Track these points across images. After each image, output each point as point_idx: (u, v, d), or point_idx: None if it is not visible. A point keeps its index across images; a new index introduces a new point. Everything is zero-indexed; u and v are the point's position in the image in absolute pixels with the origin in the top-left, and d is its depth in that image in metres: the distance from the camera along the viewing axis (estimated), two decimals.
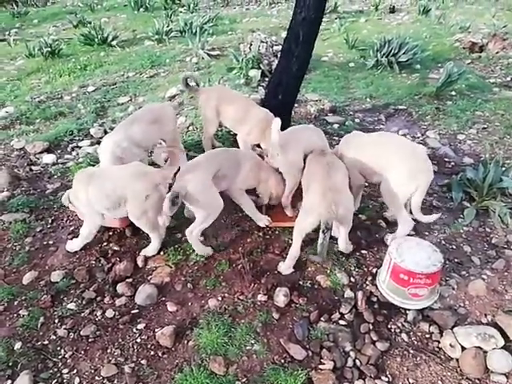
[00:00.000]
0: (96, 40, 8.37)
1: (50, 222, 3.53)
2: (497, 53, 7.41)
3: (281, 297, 2.75)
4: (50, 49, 7.72)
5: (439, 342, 2.52)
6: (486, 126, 4.98)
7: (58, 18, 11.27)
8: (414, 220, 3.07)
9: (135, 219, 3.01)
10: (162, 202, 2.97)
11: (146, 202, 2.90)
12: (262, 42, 6.65)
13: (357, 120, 5.14)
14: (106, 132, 4.98)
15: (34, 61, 7.69)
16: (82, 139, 4.87)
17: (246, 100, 4.16)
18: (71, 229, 3.45)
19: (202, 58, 7.33)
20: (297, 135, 3.43)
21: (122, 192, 2.90)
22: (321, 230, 2.68)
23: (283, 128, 4.45)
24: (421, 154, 3.01)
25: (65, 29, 10.22)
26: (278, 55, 6.32)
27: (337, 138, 4.68)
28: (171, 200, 2.74)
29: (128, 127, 3.53)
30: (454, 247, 3.24)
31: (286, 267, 2.98)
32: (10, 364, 2.40)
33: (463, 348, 2.44)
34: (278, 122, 3.15)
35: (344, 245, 3.03)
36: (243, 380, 2.31)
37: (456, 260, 3.11)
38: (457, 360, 2.42)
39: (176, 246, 3.19)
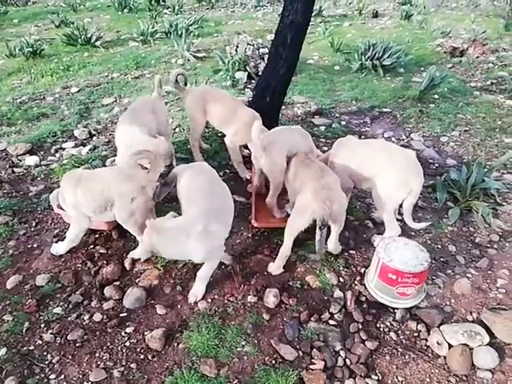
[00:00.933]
0: (79, 40, 8.24)
1: (33, 224, 3.45)
2: (477, 57, 7.62)
3: (271, 298, 2.75)
4: (31, 49, 7.56)
5: (427, 340, 2.57)
6: (467, 129, 5.11)
7: (40, 18, 11.05)
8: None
9: (122, 222, 2.97)
10: (148, 204, 2.96)
11: (133, 204, 2.86)
12: (248, 44, 6.67)
13: (343, 122, 5.20)
14: (90, 133, 4.91)
15: (15, 61, 7.53)
16: (66, 141, 4.78)
17: (232, 100, 4.16)
18: (56, 232, 3.38)
19: (188, 60, 7.31)
20: (280, 136, 3.44)
21: (108, 194, 2.87)
22: (317, 227, 2.71)
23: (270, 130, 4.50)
24: (412, 159, 3.09)
25: (47, 29, 10.02)
26: (265, 58, 6.37)
27: (323, 140, 4.73)
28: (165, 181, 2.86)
29: (133, 118, 3.53)
30: (440, 247, 3.30)
31: (275, 267, 2.98)
32: None
33: (450, 345, 2.49)
34: (258, 124, 3.18)
35: (334, 245, 3.05)
36: (235, 382, 2.30)
37: (442, 259, 3.17)
38: (444, 357, 2.47)
39: None
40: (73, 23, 9.62)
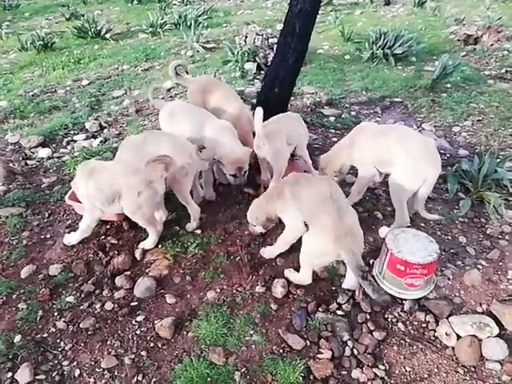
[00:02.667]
0: (89, 33, 8.29)
1: (46, 215, 3.52)
2: (491, 45, 7.43)
3: (279, 288, 2.77)
4: (42, 42, 7.63)
5: (435, 330, 2.56)
6: (480, 118, 5.01)
7: (50, 11, 11.13)
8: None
9: (130, 214, 3.01)
10: (156, 197, 2.99)
11: (139, 197, 2.89)
12: (257, 34, 6.61)
13: (353, 113, 5.15)
14: (101, 126, 4.96)
15: (27, 54, 7.61)
16: (77, 133, 4.84)
17: (228, 91, 4.14)
18: (68, 222, 3.44)
19: (197, 51, 7.30)
20: (279, 124, 3.52)
21: (116, 187, 2.90)
22: (360, 279, 2.42)
23: None
24: (431, 147, 3.00)
25: (57, 22, 10.10)
26: (274, 48, 6.28)
27: (333, 131, 4.70)
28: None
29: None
30: (450, 238, 3.27)
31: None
32: (11, 357, 2.41)
33: (459, 336, 2.48)
34: (259, 111, 3.22)
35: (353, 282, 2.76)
36: (243, 370, 2.33)
37: (452, 250, 3.15)
38: (452, 348, 2.46)
39: (174, 239, 3.19)
40: (83, 16, 9.68)
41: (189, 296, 2.78)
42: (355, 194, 3.41)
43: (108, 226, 3.33)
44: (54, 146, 4.58)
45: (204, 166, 3.41)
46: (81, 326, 2.58)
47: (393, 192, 3.11)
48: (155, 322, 2.59)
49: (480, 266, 3.00)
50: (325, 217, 2.52)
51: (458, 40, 7.73)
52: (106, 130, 4.88)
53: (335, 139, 4.43)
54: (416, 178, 2.95)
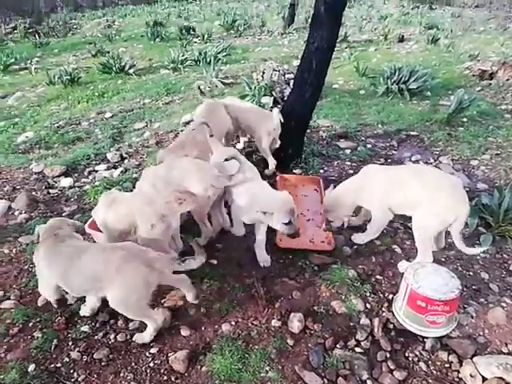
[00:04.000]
0: (114, 68, 8.70)
1: None
2: (507, 80, 7.48)
3: (295, 323, 2.71)
4: (69, 77, 8.04)
5: (459, 371, 2.45)
6: (499, 152, 4.98)
7: (78, 48, 11.78)
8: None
9: (144, 245, 2.99)
10: (170, 231, 2.99)
11: (153, 230, 2.88)
12: (274, 70, 6.83)
13: (369, 145, 5.18)
14: (122, 156, 5.10)
15: (54, 88, 8.00)
16: (99, 163, 4.98)
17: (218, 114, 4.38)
18: None
19: (216, 86, 7.54)
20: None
21: (132, 218, 2.92)
22: None
23: (297, 153, 4.56)
24: (458, 186, 3.00)
25: (84, 58, 10.66)
26: (290, 83, 6.48)
27: (349, 164, 4.72)
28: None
29: None
30: (471, 274, 3.18)
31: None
32: None
33: (484, 378, 2.37)
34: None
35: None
36: None
37: (474, 287, 3.05)
38: None
39: (189, 271, 3.18)
40: (108, 52, 10.20)
41: (203, 328, 2.73)
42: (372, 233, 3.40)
43: None
44: (76, 175, 4.71)
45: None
46: (95, 356, 2.56)
47: (420, 231, 3.03)
48: (169, 354, 2.55)
49: (504, 304, 2.89)
50: None
51: (473, 75, 7.82)
52: (126, 161, 5.01)
53: (351, 171, 4.44)
54: (447, 216, 2.89)
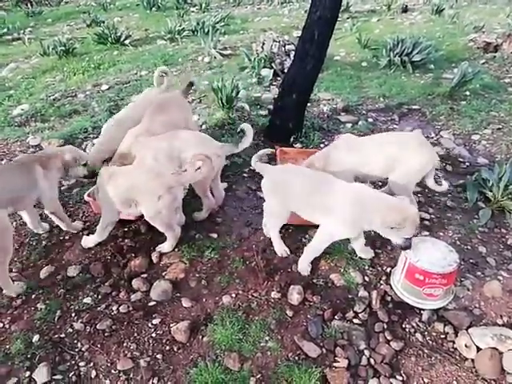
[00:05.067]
0: (109, 39, 8.45)
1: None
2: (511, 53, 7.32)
3: (294, 295, 2.75)
4: (64, 48, 7.80)
5: (454, 342, 2.51)
6: (500, 127, 4.93)
7: (72, 18, 11.40)
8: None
9: (149, 219, 3.04)
10: (175, 203, 3.02)
11: (159, 202, 2.91)
12: (274, 41, 6.66)
13: (370, 119, 5.12)
14: None
15: (49, 59, 7.79)
16: (97, 136, 4.88)
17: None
18: (87, 224, 3.49)
19: (215, 58, 7.37)
20: None
21: (133, 192, 2.94)
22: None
23: (297, 128, 4.50)
24: (422, 139, 3.29)
25: (78, 28, 10.33)
26: (291, 55, 6.35)
27: None
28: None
29: None
30: (469, 248, 3.21)
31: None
32: (29, 356, 2.44)
33: (478, 349, 2.43)
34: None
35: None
36: (258, 376, 2.32)
37: (471, 261, 3.09)
38: (472, 360, 2.41)
39: (190, 243, 3.21)
40: (103, 22, 9.88)
41: (204, 300, 2.78)
42: None
43: (125, 229, 3.37)
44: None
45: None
46: (97, 327, 2.61)
47: (399, 190, 3.19)
48: (171, 325, 2.60)
49: (500, 277, 2.94)
50: None
51: (478, 48, 7.65)
52: None
53: None
54: (422, 171, 3.19)
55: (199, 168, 2.95)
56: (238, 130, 3.31)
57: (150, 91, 4.49)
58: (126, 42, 8.46)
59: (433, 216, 3.51)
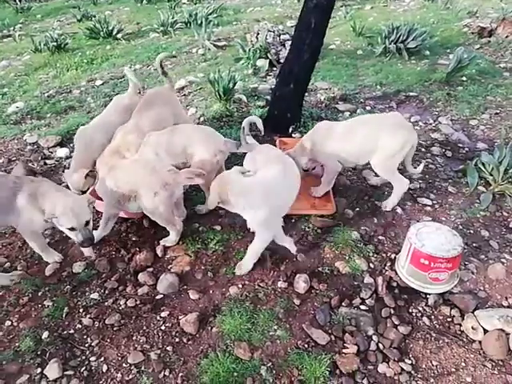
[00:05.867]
0: (101, 33, 8.36)
1: None
2: (506, 37, 7.31)
3: (301, 283, 2.77)
4: (55, 43, 7.71)
5: (461, 325, 2.54)
6: (498, 111, 4.95)
7: (62, 13, 11.25)
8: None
9: (148, 213, 3.03)
10: (173, 198, 2.99)
11: (156, 198, 2.88)
12: (269, 31, 6.60)
13: (368, 107, 5.11)
14: None
15: (41, 56, 7.69)
16: None
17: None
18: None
19: (209, 49, 7.30)
20: None
21: (132, 185, 2.92)
22: None
23: (295, 118, 4.48)
24: (402, 120, 3.32)
25: (69, 23, 10.20)
26: (286, 44, 6.31)
27: None
28: None
29: None
30: (472, 232, 3.24)
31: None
32: (39, 353, 2.45)
33: (485, 331, 2.46)
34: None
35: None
36: (268, 364, 2.34)
37: (474, 244, 3.12)
38: (479, 342, 2.44)
39: (194, 236, 3.21)
40: (94, 17, 9.76)
41: (211, 292, 2.79)
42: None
43: (129, 224, 3.36)
44: (71, 145, 4.59)
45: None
46: (106, 322, 2.61)
47: (383, 171, 3.31)
48: (179, 317, 2.61)
49: (504, 260, 2.97)
50: None
51: (472, 33, 7.63)
52: None
53: None
54: (402, 151, 3.21)
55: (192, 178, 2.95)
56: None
57: (119, 97, 4.38)
58: (119, 36, 8.38)
59: (434, 201, 3.53)
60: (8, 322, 2.63)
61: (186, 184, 3.10)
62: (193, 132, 3.30)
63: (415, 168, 3.48)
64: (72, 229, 2.69)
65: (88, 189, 3.42)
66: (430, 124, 4.75)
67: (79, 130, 3.77)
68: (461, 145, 4.31)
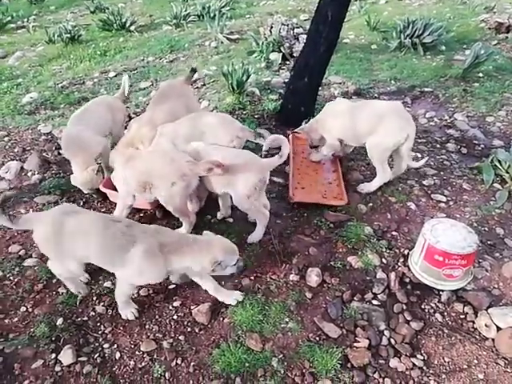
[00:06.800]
0: (114, 25, 8.37)
1: (81, 204, 3.59)
2: None
3: (313, 277, 2.77)
4: (69, 35, 7.75)
5: (474, 322, 2.52)
6: None
7: (75, 4, 11.28)
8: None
9: (164, 203, 3.04)
10: (189, 189, 2.98)
11: (173, 188, 2.89)
12: (282, 24, 6.55)
13: None
14: (129, 117, 5.00)
15: (54, 47, 7.74)
16: None
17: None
18: (102, 210, 3.50)
19: (222, 42, 7.28)
20: None
21: (149, 176, 2.93)
22: None
23: (309, 112, 4.45)
24: (402, 110, 3.45)
25: (82, 15, 10.24)
26: (299, 38, 6.26)
27: None
28: None
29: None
30: (487, 229, 3.20)
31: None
32: (53, 339, 2.48)
33: (498, 328, 2.44)
34: None
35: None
36: (280, 356, 2.35)
37: (489, 242, 3.08)
38: (492, 340, 2.42)
39: (207, 228, 3.19)
40: (107, 8, 9.76)
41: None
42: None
43: (142, 214, 3.39)
44: None
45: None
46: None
47: (376, 154, 3.44)
48: (191, 307, 2.62)
49: None
50: None
51: (489, 28, 7.50)
52: None
53: None
54: (399, 136, 3.31)
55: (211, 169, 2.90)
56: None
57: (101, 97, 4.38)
58: (132, 28, 8.38)
59: (449, 198, 3.50)
60: (23, 308, 2.67)
61: (205, 175, 3.03)
62: (210, 118, 3.30)
63: (416, 162, 3.61)
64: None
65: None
66: (446, 120, 4.69)
67: (65, 135, 3.67)
68: (476, 141, 4.26)
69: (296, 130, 3.98)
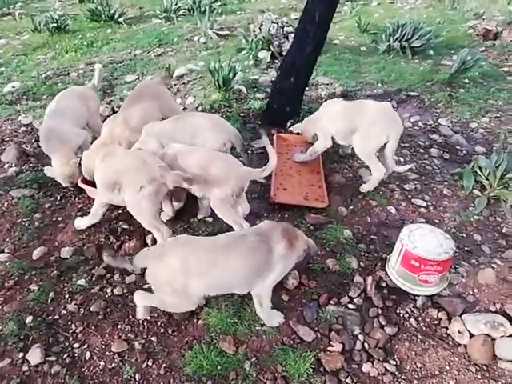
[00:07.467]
0: (103, 16, 8.21)
1: (58, 198, 3.52)
2: (511, 41, 7.25)
3: (290, 279, 2.75)
4: (56, 24, 7.59)
5: (447, 328, 2.53)
6: (498, 115, 4.91)
7: None
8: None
9: (129, 208, 2.85)
10: (159, 198, 2.82)
11: (140, 192, 2.72)
12: (272, 22, 6.51)
13: None
14: (113, 110, 4.92)
15: (40, 36, 7.57)
16: None
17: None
18: (80, 206, 3.44)
19: (211, 38, 7.21)
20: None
21: (119, 175, 2.81)
22: None
23: (295, 112, 4.44)
24: (389, 110, 3.52)
25: (70, 4, 10.01)
26: (289, 37, 6.22)
27: None
28: None
29: None
30: (464, 235, 3.22)
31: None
32: (22, 337, 2.43)
33: (471, 335, 2.45)
34: None
35: None
36: (253, 359, 2.33)
37: (466, 248, 3.10)
38: (465, 346, 2.43)
39: (185, 227, 3.18)
40: None
41: None
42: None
43: (120, 211, 3.32)
44: None
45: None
46: (91, 309, 2.59)
47: (362, 152, 3.52)
48: None
49: (494, 265, 2.95)
50: None
51: (477, 35, 7.56)
52: None
53: None
54: (381, 135, 3.38)
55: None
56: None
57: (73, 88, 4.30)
58: (120, 19, 8.23)
59: (429, 203, 3.51)
60: None
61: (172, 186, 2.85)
62: (201, 120, 3.24)
63: (400, 166, 3.63)
64: None
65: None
66: (430, 125, 4.71)
67: (43, 128, 3.59)
68: (459, 147, 4.29)
69: (291, 128, 4.10)
